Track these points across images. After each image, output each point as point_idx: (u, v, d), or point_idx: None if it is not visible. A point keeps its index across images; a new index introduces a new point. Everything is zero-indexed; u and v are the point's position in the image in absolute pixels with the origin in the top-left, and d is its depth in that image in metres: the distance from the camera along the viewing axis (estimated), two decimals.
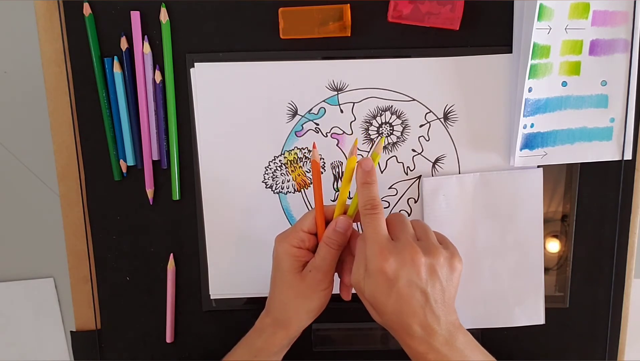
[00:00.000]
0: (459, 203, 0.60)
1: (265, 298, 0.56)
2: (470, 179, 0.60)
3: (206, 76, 0.58)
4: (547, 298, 0.62)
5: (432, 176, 0.60)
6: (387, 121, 0.59)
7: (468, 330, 0.49)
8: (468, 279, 0.62)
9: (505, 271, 0.62)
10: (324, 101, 0.59)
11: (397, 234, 0.49)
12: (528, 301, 0.62)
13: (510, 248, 0.61)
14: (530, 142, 0.58)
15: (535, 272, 0.61)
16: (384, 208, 0.61)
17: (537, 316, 0.62)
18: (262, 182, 0.61)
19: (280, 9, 0.57)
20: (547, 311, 0.62)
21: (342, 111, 0.59)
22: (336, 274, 0.55)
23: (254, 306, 0.62)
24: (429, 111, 0.59)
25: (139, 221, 0.61)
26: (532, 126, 0.58)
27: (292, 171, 0.60)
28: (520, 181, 0.60)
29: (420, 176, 0.61)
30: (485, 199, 0.60)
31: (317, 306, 0.54)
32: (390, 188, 0.61)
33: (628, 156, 0.59)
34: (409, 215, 0.61)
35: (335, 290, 0.55)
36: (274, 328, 0.55)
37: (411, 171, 0.61)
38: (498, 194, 0.60)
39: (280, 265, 0.54)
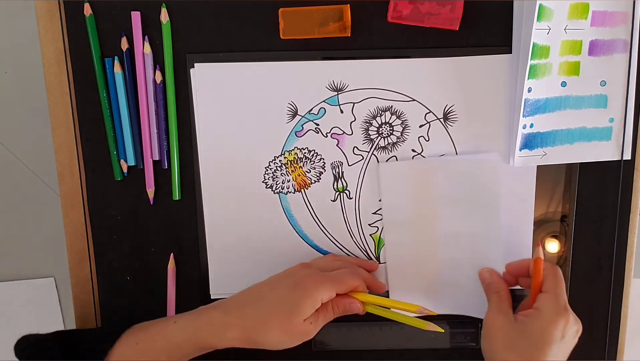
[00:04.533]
0: (417, 188, 0.60)
1: None
2: (429, 164, 0.60)
3: (206, 76, 0.59)
4: None
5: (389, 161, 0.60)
6: (387, 121, 0.60)
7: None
8: (428, 266, 0.61)
9: (465, 256, 0.61)
10: (324, 101, 0.59)
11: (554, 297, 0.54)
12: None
13: (470, 233, 0.61)
14: (530, 142, 0.58)
15: (497, 260, 0.60)
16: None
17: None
18: (262, 182, 0.61)
19: (280, 10, 0.57)
20: None
21: (342, 111, 0.59)
22: None
23: None
24: (428, 111, 0.59)
25: (139, 221, 0.62)
26: (531, 126, 0.58)
27: (292, 171, 0.61)
28: (479, 165, 0.59)
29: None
30: (443, 184, 0.60)
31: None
32: None
33: (627, 156, 0.60)
34: None
35: None
36: (236, 334, 0.52)
37: None
38: (457, 179, 0.60)
39: (299, 307, 0.52)
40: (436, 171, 0.60)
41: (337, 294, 0.54)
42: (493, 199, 0.60)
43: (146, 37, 0.58)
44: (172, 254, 0.62)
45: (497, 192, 0.60)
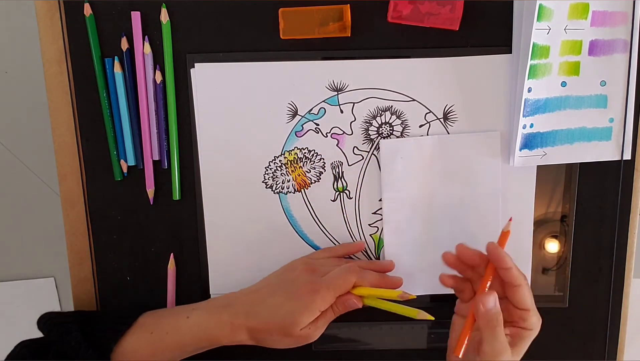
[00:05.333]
0: (417, 166, 0.60)
1: None
2: (429, 142, 0.60)
3: (206, 76, 0.59)
4: (547, 298, 0.63)
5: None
6: (387, 121, 0.60)
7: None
8: (426, 243, 0.61)
9: (463, 235, 0.61)
10: (324, 101, 0.59)
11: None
12: None
13: (468, 213, 0.61)
14: (530, 142, 0.58)
15: (492, 237, 0.61)
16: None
17: None
18: (262, 182, 0.61)
19: (280, 9, 0.57)
20: (547, 310, 0.62)
21: (342, 111, 0.59)
22: None
23: None
24: (428, 111, 0.59)
25: (140, 221, 0.62)
26: (531, 126, 0.58)
27: (292, 171, 0.61)
28: (478, 144, 0.60)
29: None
30: (443, 162, 0.60)
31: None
32: None
33: (627, 156, 0.60)
34: None
35: None
36: (244, 336, 0.55)
37: None
38: (457, 158, 0.60)
39: (296, 319, 0.54)
40: (435, 148, 0.60)
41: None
42: (490, 173, 0.60)
43: (146, 37, 0.58)
44: (172, 254, 0.62)
45: (496, 167, 0.60)
